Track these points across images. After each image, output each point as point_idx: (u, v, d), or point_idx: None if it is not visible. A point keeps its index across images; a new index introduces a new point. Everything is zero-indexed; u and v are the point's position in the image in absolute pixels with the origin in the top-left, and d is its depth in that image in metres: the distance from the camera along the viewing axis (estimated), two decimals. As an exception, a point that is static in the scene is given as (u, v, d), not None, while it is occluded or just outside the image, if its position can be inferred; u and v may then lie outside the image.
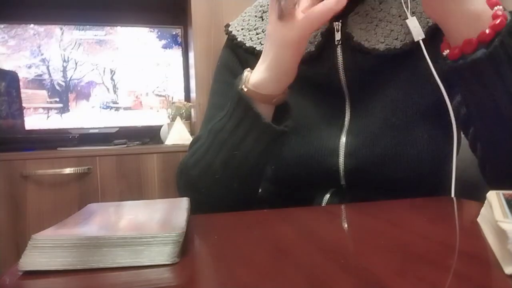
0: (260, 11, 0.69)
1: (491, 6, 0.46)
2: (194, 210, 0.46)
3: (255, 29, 0.68)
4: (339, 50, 0.58)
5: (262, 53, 0.52)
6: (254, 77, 0.51)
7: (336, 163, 0.57)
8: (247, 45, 0.67)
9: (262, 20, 0.68)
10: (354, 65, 0.58)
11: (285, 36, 0.48)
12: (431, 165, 0.56)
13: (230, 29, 0.71)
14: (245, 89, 0.51)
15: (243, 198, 0.56)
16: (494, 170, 0.53)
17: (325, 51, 0.59)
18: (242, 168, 0.53)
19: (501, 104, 0.45)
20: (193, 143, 0.65)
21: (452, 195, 0.54)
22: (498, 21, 0.43)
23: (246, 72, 0.53)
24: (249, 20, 0.69)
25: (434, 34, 0.56)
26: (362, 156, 0.56)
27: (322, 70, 0.59)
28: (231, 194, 0.55)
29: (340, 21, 0.59)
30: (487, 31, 0.43)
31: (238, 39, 0.68)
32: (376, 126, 0.57)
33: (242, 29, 0.69)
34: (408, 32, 0.56)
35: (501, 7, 0.45)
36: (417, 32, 0.55)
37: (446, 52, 0.48)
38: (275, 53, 0.50)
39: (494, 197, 0.33)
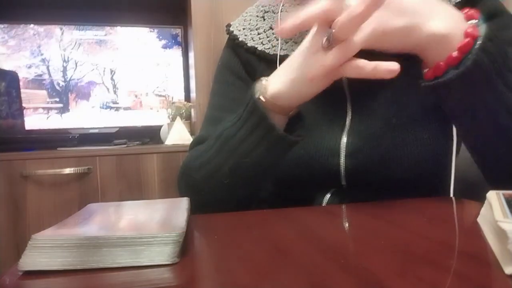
0: (261, 11, 0.69)
1: (467, 18, 0.45)
2: (194, 210, 0.46)
3: (256, 29, 0.68)
4: None
5: (288, 62, 0.50)
6: (274, 88, 0.49)
7: (337, 163, 0.57)
8: (249, 45, 0.67)
9: (264, 20, 0.68)
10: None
11: (323, 62, 0.45)
12: (432, 165, 0.56)
13: (231, 29, 0.71)
14: (263, 99, 0.50)
15: (246, 200, 0.56)
16: (493, 172, 0.53)
17: None
18: (250, 175, 0.53)
19: (480, 122, 0.46)
20: (194, 144, 0.65)
21: (452, 195, 0.54)
22: (465, 41, 0.42)
23: (264, 81, 0.51)
24: (250, 20, 0.69)
25: None
26: (363, 156, 0.56)
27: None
28: (234, 198, 0.55)
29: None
30: (455, 53, 0.43)
31: (240, 39, 0.68)
32: (377, 127, 0.57)
33: (243, 29, 0.69)
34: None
35: (474, 21, 0.44)
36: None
37: (424, 71, 0.48)
38: (295, 81, 0.47)
39: (494, 197, 0.33)
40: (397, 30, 0.44)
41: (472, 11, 0.45)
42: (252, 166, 0.52)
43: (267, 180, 0.57)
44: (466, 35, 0.43)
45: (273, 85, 0.50)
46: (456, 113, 0.49)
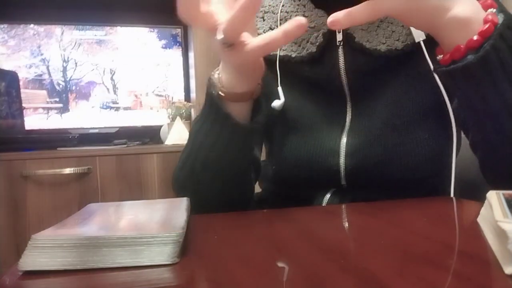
0: (261, 11, 0.69)
1: (485, 8, 0.45)
2: (193, 210, 0.46)
3: (256, 30, 0.68)
4: (340, 51, 0.58)
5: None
6: (223, 78, 0.50)
7: (337, 163, 0.57)
8: (248, 45, 0.67)
9: (264, 20, 0.68)
10: (356, 66, 0.58)
11: (231, 61, 0.46)
12: (432, 165, 0.56)
13: (231, 29, 0.71)
14: (218, 90, 0.50)
15: (235, 199, 0.56)
16: (494, 172, 0.53)
17: (327, 52, 0.59)
18: (220, 168, 0.53)
19: (495, 111, 0.46)
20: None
21: (452, 195, 0.54)
22: (486, 26, 0.43)
23: (216, 74, 0.52)
24: (249, 20, 0.69)
25: None
26: (363, 156, 0.56)
27: (323, 71, 0.59)
28: (217, 195, 0.55)
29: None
30: (475, 37, 0.43)
31: (239, 39, 0.68)
32: (377, 127, 0.57)
33: (243, 29, 0.69)
34: (409, 33, 0.56)
35: (493, 10, 0.45)
36: (418, 33, 0.55)
37: (439, 57, 0.48)
38: (234, 70, 0.49)
39: (494, 197, 0.33)
40: (429, 8, 0.44)
41: (489, 1, 0.45)
42: (218, 158, 0.52)
43: (247, 176, 0.57)
44: (486, 21, 0.43)
45: (222, 75, 0.51)
46: (467, 104, 0.48)
